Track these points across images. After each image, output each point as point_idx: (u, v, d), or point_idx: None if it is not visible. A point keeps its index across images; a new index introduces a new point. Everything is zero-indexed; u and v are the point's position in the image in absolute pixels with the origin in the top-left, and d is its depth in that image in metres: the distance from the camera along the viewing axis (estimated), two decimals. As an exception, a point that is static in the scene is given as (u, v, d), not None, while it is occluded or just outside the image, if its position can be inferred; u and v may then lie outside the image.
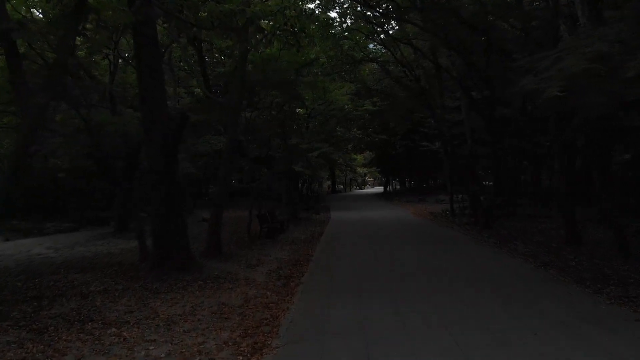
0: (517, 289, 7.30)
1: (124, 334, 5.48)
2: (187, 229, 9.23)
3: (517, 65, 8.45)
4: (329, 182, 57.77)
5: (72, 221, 20.51)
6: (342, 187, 66.66)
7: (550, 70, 6.68)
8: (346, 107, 25.20)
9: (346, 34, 19.95)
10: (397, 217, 21.02)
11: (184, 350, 4.95)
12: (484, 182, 22.11)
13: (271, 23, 10.53)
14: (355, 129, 35.13)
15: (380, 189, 60.83)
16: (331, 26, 19.89)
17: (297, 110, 24.65)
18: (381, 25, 17.37)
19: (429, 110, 18.74)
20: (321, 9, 20.08)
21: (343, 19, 20.68)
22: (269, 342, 5.15)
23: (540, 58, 7.46)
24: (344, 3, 18.02)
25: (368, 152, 47.73)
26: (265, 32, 11.29)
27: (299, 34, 9.45)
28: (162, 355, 4.83)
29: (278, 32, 10.82)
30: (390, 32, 19.05)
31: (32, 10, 14.75)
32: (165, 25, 10.49)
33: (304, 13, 11.11)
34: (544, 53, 7.40)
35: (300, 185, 30.78)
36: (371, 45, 24.24)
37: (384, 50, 22.65)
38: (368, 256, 10.66)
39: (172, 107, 26.72)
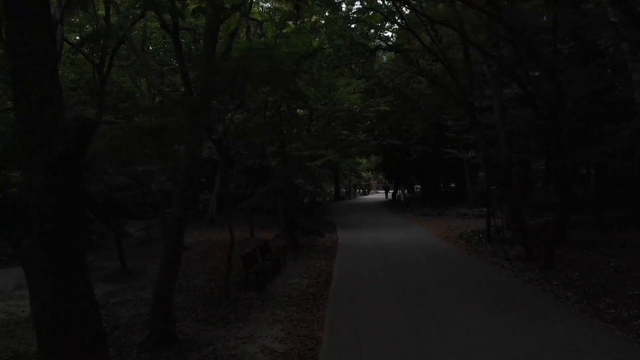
0: None
1: None
2: (98, 314, 5.23)
3: None
4: (332, 187, 53.75)
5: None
6: (345, 190, 62.63)
7: None
8: (354, 107, 21.34)
9: (356, 15, 16.06)
10: (422, 244, 16.97)
11: None
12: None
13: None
14: (361, 132, 31.34)
15: (383, 194, 56.72)
16: (338, 9, 16.10)
17: (298, 110, 20.87)
18: (406, 1, 13.40)
19: (465, 110, 14.81)
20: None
21: (351, 5, 16.91)
22: None
23: None
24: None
25: (374, 156, 43.87)
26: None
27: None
28: None
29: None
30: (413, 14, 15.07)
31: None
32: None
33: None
34: None
35: (302, 193, 26.95)
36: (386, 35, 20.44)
37: (398, 43, 18.80)
38: (410, 345, 6.69)
39: (149, 105, 23.05)
